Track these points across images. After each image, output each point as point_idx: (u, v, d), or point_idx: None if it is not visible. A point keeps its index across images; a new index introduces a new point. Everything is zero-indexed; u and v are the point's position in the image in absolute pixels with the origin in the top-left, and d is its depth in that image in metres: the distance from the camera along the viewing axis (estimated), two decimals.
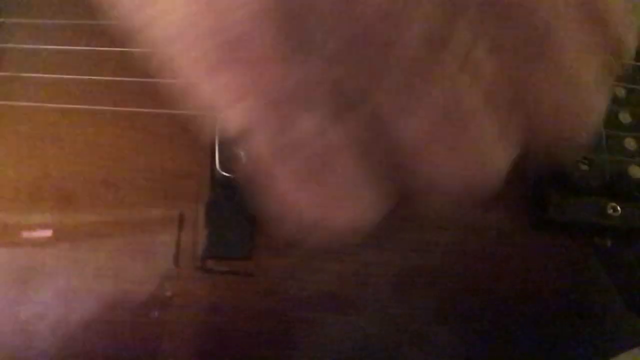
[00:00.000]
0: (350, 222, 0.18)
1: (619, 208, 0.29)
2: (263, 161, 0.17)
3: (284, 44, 0.15)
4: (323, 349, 0.28)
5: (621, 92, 0.32)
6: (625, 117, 0.31)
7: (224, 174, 0.28)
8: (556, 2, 0.16)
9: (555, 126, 0.18)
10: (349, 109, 0.16)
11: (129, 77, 0.30)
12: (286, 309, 0.28)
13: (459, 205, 0.19)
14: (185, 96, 0.17)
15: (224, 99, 0.16)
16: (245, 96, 0.16)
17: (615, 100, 0.31)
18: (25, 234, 0.28)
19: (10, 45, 0.30)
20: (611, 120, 0.31)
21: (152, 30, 0.16)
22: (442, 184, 0.18)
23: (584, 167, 0.30)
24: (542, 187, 0.30)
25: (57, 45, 0.30)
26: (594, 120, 0.19)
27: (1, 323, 0.27)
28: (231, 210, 0.28)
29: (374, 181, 0.18)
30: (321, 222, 0.17)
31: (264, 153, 0.16)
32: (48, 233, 0.28)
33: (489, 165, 0.18)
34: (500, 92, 0.17)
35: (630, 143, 0.31)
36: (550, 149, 0.19)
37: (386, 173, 0.18)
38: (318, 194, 0.17)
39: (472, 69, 0.16)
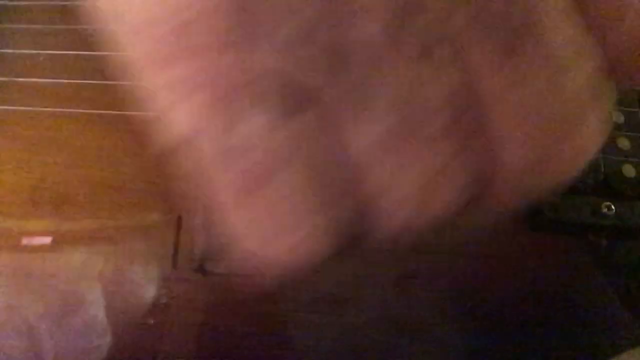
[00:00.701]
0: (289, 253, 0.16)
1: (613, 207, 0.30)
2: (205, 167, 0.15)
3: (234, 32, 0.14)
4: (322, 350, 0.28)
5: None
6: (618, 117, 0.32)
7: None
8: None
9: (527, 155, 0.15)
10: (299, 109, 0.15)
11: (126, 80, 0.30)
12: (285, 310, 0.28)
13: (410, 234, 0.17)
14: (143, 98, 0.16)
15: (174, 94, 0.15)
16: (195, 90, 0.15)
17: None
18: (25, 240, 0.28)
19: (7, 50, 0.31)
20: None
21: (117, 28, 0.15)
22: (386, 212, 0.15)
23: None
24: None
25: (55, 50, 0.31)
26: (588, 154, 0.15)
27: (2, 327, 0.27)
28: None
29: (321, 207, 0.15)
30: (259, 251, 0.16)
31: (207, 157, 0.15)
32: (47, 239, 0.28)
33: (433, 202, 0.15)
34: (463, 105, 0.14)
35: (623, 142, 0.31)
36: (513, 192, 0.16)
37: (335, 198, 0.16)
38: (259, 215, 0.15)
39: (434, 60, 0.14)
